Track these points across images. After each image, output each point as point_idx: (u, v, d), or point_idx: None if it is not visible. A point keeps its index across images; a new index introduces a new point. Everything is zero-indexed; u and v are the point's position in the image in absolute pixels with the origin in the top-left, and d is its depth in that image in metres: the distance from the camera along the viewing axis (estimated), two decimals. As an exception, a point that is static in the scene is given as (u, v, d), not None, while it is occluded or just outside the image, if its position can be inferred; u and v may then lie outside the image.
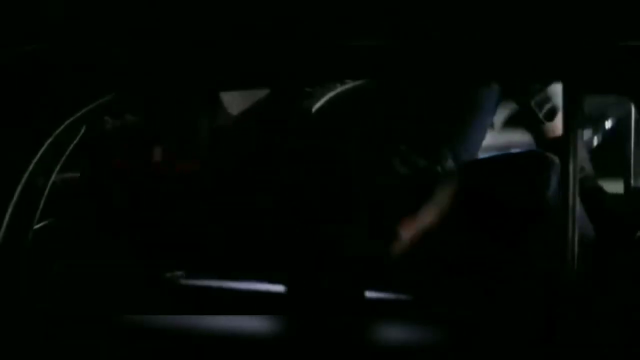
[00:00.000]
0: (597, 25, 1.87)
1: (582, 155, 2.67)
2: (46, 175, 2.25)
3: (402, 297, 2.21)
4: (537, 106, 2.75)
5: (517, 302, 2.10)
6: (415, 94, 2.71)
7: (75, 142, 2.27)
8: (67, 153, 2.27)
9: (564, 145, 1.91)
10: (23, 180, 2.20)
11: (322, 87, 3.40)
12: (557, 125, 2.68)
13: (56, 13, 2.14)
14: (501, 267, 2.45)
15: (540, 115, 2.75)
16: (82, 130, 2.28)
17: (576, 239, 1.88)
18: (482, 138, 2.92)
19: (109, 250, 2.62)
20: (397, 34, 1.97)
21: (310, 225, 2.59)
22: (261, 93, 3.19)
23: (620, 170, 3.78)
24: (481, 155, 3.21)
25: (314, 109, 3.27)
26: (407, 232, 2.48)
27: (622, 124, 3.97)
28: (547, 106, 2.73)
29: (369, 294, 2.25)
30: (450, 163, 2.71)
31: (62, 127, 2.21)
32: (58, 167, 2.27)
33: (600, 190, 2.97)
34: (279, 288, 2.27)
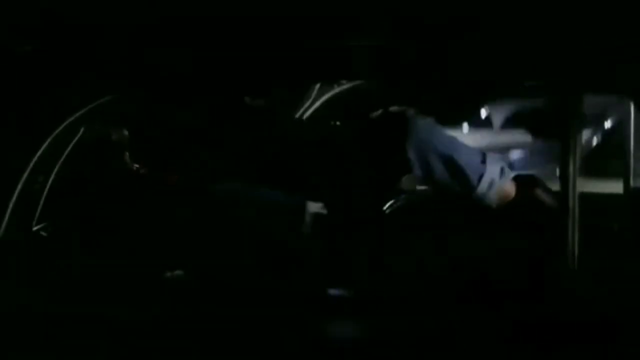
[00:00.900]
0: (596, 25, 1.87)
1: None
2: (45, 175, 2.26)
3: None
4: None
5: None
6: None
7: (74, 142, 2.28)
8: (66, 153, 2.28)
9: (564, 145, 1.92)
10: (22, 180, 2.21)
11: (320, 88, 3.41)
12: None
13: (56, 13, 2.15)
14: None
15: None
16: (81, 131, 2.28)
17: (576, 238, 1.88)
18: None
19: (109, 250, 2.62)
20: (397, 34, 1.98)
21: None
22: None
23: (620, 171, 3.79)
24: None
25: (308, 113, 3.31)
26: None
27: (622, 124, 3.96)
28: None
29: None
30: None
31: (61, 127, 2.21)
32: (57, 167, 2.27)
33: None
34: (281, 288, 2.27)
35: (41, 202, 2.29)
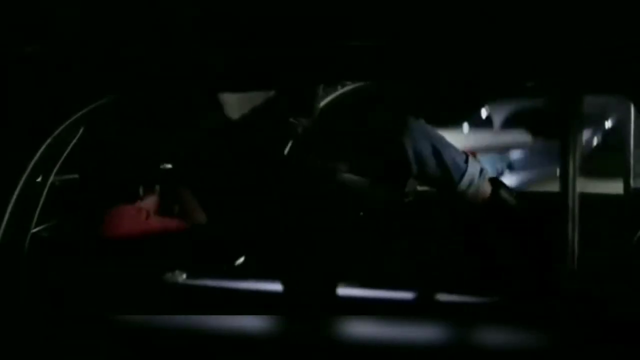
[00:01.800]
0: (596, 25, 1.87)
1: None
2: (45, 176, 2.26)
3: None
4: None
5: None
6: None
7: (73, 142, 2.28)
8: (65, 154, 2.28)
9: (564, 145, 1.92)
10: (22, 181, 2.21)
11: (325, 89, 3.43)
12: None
13: (56, 13, 2.15)
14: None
15: None
16: (81, 131, 2.28)
17: (576, 238, 1.88)
18: None
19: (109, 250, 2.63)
20: (397, 34, 1.97)
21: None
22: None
23: (620, 171, 3.79)
24: (481, 155, 3.28)
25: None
26: None
27: (622, 124, 3.97)
28: None
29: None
30: None
31: (61, 128, 2.21)
32: (56, 167, 2.27)
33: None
34: (278, 288, 2.27)
35: (40, 203, 2.28)
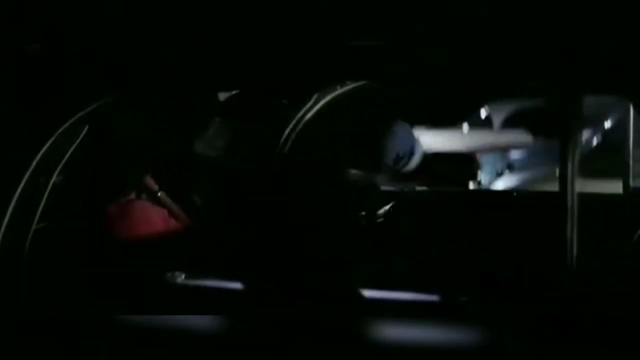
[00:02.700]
0: (596, 25, 1.87)
1: None
2: (47, 176, 2.26)
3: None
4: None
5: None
6: None
7: (77, 142, 2.28)
8: (68, 154, 2.28)
9: (564, 145, 1.92)
10: (24, 181, 2.21)
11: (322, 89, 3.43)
12: None
13: (58, 13, 2.15)
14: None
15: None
16: (84, 131, 2.28)
17: (575, 238, 1.88)
18: None
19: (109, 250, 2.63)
20: (397, 34, 1.98)
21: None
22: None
23: (620, 171, 3.79)
24: (481, 155, 3.40)
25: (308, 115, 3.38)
26: None
27: (622, 124, 3.98)
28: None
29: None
30: None
31: (64, 127, 2.21)
32: (59, 167, 2.27)
33: None
34: (279, 287, 2.27)
35: (42, 203, 2.28)
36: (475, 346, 1.89)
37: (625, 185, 3.75)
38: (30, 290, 2.20)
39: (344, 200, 2.94)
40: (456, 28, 1.94)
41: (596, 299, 1.92)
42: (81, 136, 2.28)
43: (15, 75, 2.24)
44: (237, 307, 2.19)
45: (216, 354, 2.02)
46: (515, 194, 4.94)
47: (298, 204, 2.80)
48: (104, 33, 2.14)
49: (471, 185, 4.68)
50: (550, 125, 2.93)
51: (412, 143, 3.41)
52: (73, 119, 2.21)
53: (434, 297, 2.06)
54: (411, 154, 3.37)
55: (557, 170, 1.94)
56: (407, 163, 3.35)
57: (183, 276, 2.29)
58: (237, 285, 2.30)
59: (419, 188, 3.60)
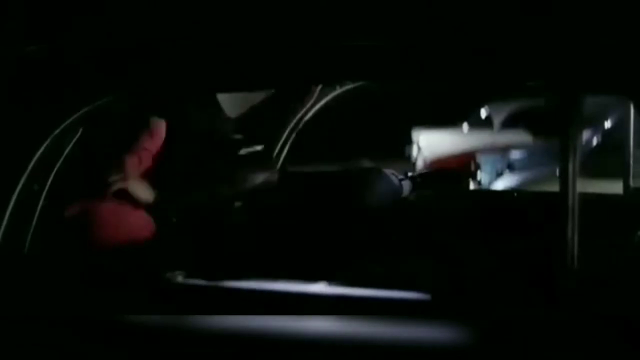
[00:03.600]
0: (596, 25, 1.87)
1: None
2: (44, 176, 2.25)
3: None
4: None
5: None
6: None
7: (72, 143, 2.28)
8: (64, 154, 2.28)
9: (564, 145, 1.91)
10: (21, 181, 2.21)
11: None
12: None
13: (57, 13, 2.15)
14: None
15: None
16: (80, 132, 2.29)
17: (576, 238, 1.88)
18: None
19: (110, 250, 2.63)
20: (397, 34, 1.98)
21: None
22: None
23: (620, 171, 3.80)
24: (480, 155, 3.37)
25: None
26: None
27: (622, 124, 3.98)
28: None
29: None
30: None
31: (60, 128, 2.21)
32: (56, 168, 2.27)
33: None
34: (281, 288, 2.27)
35: (39, 203, 2.28)
36: (475, 346, 1.89)
37: (625, 185, 3.75)
38: (30, 290, 2.20)
39: None
40: (456, 28, 1.94)
41: (596, 298, 1.92)
42: (76, 137, 2.28)
43: (13, 76, 2.24)
44: (237, 306, 2.19)
45: (216, 354, 2.02)
46: (515, 194, 4.94)
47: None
48: (104, 33, 2.14)
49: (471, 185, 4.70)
50: (550, 125, 2.93)
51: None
52: (70, 119, 2.21)
53: (432, 297, 2.05)
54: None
55: (557, 170, 1.94)
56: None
57: (182, 276, 2.29)
58: (238, 285, 2.29)
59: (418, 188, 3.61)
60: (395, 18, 1.98)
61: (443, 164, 9.97)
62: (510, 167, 11.87)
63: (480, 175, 10.96)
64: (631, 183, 3.74)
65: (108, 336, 2.06)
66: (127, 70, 2.20)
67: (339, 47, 2.04)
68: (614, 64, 1.90)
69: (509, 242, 2.70)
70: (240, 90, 2.98)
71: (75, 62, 2.21)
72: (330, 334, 1.95)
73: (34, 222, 2.27)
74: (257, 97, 3.32)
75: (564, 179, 1.91)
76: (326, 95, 3.63)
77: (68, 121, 2.21)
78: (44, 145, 2.21)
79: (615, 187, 3.78)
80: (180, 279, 2.22)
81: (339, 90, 3.58)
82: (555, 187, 1.98)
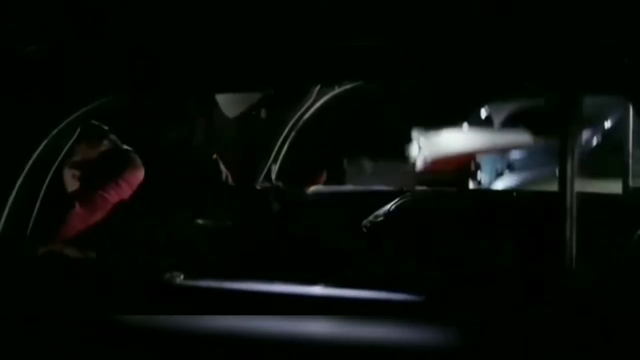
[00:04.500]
0: (596, 25, 1.87)
1: None
2: (43, 175, 2.26)
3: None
4: None
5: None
6: None
7: (71, 142, 2.28)
8: (63, 153, 2.28)
9: (564, 145, 1.91)
10: (20, 179, 2.21)
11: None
12: None
13: (56, 14, 2.15)
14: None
15: None
16: (78, 131, 2.29)
17: (575, 238, 1.88)
18: None
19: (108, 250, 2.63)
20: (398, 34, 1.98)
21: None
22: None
23: (619, 171, 3.80)
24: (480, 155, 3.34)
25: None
26: None
27: (621, 124, 3.98)
28: None
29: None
30: None
31: (59, 127, 2.21)
32: (54, 166, 2.28)
33: None
34: (278, 288, 2.27)
35: (38, 202, 2.28)
36: (474, 347, 1.89)
37: (625, 185, 3.75)
38: (29, 290, 2.20)
39: None
40: (456, 28, 1.94)
41: (596, 299, 1.92)
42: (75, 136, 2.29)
43: (14, 75, 2.24)
44: (237, 306, 2.19)
45: (216, 354, 2.02)
46: (515, 194, 4.94)
47: None
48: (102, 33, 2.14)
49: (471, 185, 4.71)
50: (550, 125, 2.93)
51: None
52: (68, 119, 2.21)
53: (431, 297, 2.06)
54: None
55: (557, 170, 1.94)
56: None
57: (182, 276, 2.29)
58: (237, 286, 2.30)
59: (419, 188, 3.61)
60: (395, 18, 1.98)
61: (443, 164, 9.98)
62: (510, 167, 11.88)
63: (480, 175, 10.97)
64: (630, 183, 3.74)
65: (108, 336, 2.06)
66: (127, 70, 2.20)
67: (339, 47, 2.04)
68: (613, 64, 1.90)
69: (509, 242, 2.70)
70: (240, 90, 2.97)
71: (75, 62, 2.22)
72: (330, 334, 1.95)
73: (32, 222, 2.27)
74: (256, 97, 3.32)
75: (563, 179, 1.91)
76: (325, 94, 3.63)
77: (67, 121, 2.21)
78: (43, 144, 2.22)
79: (614, 187, 3.78)
80: (180, 279, 2.22)
81: (338, 90, 3.58)
82: (554, 187, 1.99)
